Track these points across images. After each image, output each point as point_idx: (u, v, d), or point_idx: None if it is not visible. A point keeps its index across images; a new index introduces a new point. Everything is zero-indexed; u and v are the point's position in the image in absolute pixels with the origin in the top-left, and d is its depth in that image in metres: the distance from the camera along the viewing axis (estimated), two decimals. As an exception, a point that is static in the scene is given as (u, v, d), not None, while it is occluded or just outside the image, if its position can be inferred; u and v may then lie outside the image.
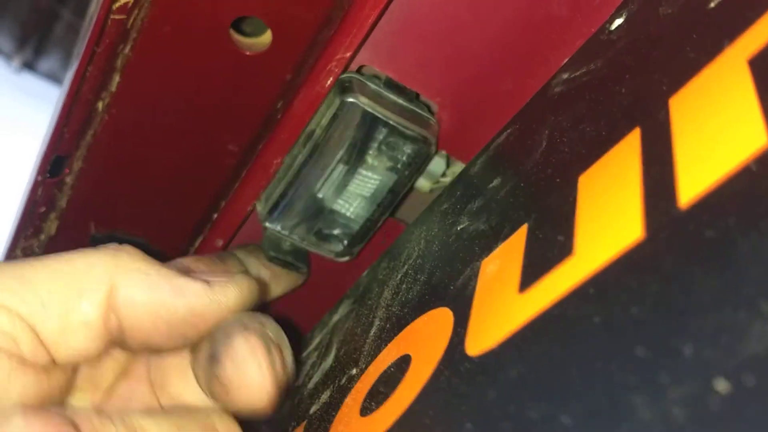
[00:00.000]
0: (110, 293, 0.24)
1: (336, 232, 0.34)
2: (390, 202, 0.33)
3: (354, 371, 0.27)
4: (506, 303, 0.20)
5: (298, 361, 0.34)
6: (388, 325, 0.27)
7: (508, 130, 0.30)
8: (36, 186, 0.32)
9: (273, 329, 0.26)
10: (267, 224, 0.34)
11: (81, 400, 0.26)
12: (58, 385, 0.24)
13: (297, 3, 0.27)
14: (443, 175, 0.34)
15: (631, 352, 0.14)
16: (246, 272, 0.33)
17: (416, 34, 0.29)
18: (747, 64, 0.17)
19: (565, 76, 0.28)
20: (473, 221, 0.26)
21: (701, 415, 0.12)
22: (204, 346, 0.26)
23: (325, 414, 0.27)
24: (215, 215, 0.35)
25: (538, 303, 0.18)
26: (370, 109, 0.30)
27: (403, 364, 0.23)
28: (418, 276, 0.28)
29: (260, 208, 0.34)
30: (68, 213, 0.34)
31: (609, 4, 0.28)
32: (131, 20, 0.27)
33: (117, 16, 0.26)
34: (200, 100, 0.30)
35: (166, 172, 0.33)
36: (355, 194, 0.33)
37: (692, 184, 0.16)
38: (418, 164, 0.32)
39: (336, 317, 0.34)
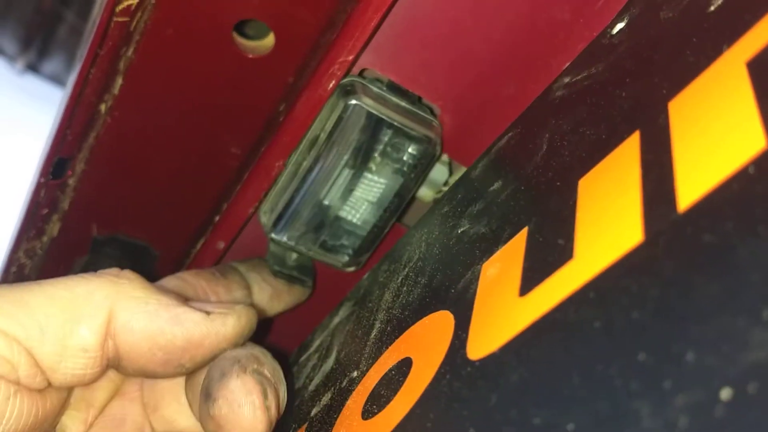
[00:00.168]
0: (109, 320, 0.24)
1: (343, 241, 0.34)
2: (396, 206, 0.33)
3: (355, 374, 0.27)
4: (507, 307, 0.20)
5: (293, 374, 0.34)
6: (389, 328, 0.27)
7: (510, 134, 0.30)
8: (39, 188, 0.32)
9: (270, 367, 0.26)
10: (273, 235, 0.33)
11: (73, 418, 0.26)
12: (52, 407, 0.24)
13: (300, 6, 0.27)
14: (445, 183, 0.33)
15: (633, 357, 0.14)
16: (247, 288, 0.33)
17: (418, 37, 0.29)
18: (745, 67, 0.17)
19: (567, 80, 0.28)
20: (474, 224, 0.26)
21: (705, 423, 0.12)
22: (199, 378, 0.26)
23: (326, 416, 0.27)
24: (217, 217, 0.35)
25: (538, 307, 0.18)
26: (374, 111, 0.30)
27: (404, 367, 0.23)
28: (419, 279, 0.28)
29: (265, 220, 0.33)
30: (70, 215, 0.34)
31: (611, 8, 0.28)
32: (134, 23, 0.27)
33: (120, 19, 0.26)
34: (202, 103, 0.30)
35: (168, 175, 0.33)
36: (361, 199, 0.33)
37: (691, 188, 0.16)
38: (423, 165, 0.32)
39: (337, 319, 0.34)
